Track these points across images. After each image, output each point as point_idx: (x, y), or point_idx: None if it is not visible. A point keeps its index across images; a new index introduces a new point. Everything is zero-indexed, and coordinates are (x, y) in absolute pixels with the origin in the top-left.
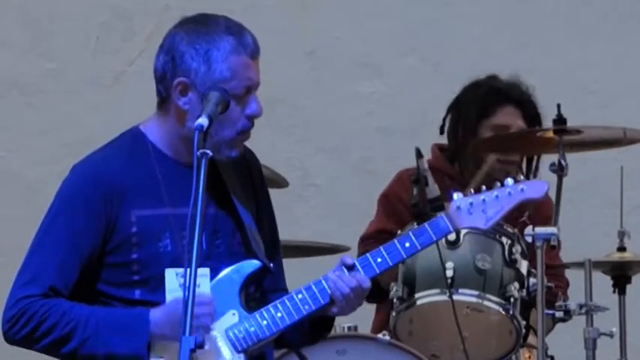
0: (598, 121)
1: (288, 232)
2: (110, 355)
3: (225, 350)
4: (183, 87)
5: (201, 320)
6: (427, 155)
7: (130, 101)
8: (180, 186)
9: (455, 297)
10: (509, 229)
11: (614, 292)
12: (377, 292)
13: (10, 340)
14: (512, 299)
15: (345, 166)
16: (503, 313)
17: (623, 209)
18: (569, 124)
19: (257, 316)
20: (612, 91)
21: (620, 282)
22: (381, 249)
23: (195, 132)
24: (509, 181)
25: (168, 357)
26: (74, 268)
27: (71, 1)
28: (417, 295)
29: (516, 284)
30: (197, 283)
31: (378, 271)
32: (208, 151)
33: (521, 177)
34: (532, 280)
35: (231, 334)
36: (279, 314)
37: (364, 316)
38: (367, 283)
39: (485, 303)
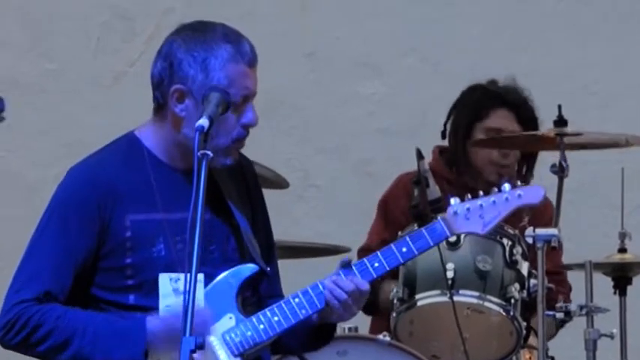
0: (598, 122)
1: (288, 232)
2: None
3: (222, 354)
4: (180, 94)
5: (195, 330)
6: (427, 156)
7: (130, 102)
8: (175, 192)
9: (455, 298)
10: (510, 231)
11: (614, 293)
12: (373, 307)
13: (6, 345)
14: (512, 300)
15: (345, 167)
16: (504, 314)
17: (624, 210)
18: (570, 124)
19: (254, 319)
20: (612, 91)
21: (621, 283)
22: (378, 254)
23: (196, 133)
24: (507, 186)
25: None
26: (69, 273)
27: (71, 1)
28: (417, 296)
29: (517, 285)
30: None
31: (375, 276)
32: (209, 152)
33: (518, 182)
34: (533, 281)
35: (227, 338)
36: (275, 318)
37: (365, 317)
38: (365, 286)
39: (486, 304)
